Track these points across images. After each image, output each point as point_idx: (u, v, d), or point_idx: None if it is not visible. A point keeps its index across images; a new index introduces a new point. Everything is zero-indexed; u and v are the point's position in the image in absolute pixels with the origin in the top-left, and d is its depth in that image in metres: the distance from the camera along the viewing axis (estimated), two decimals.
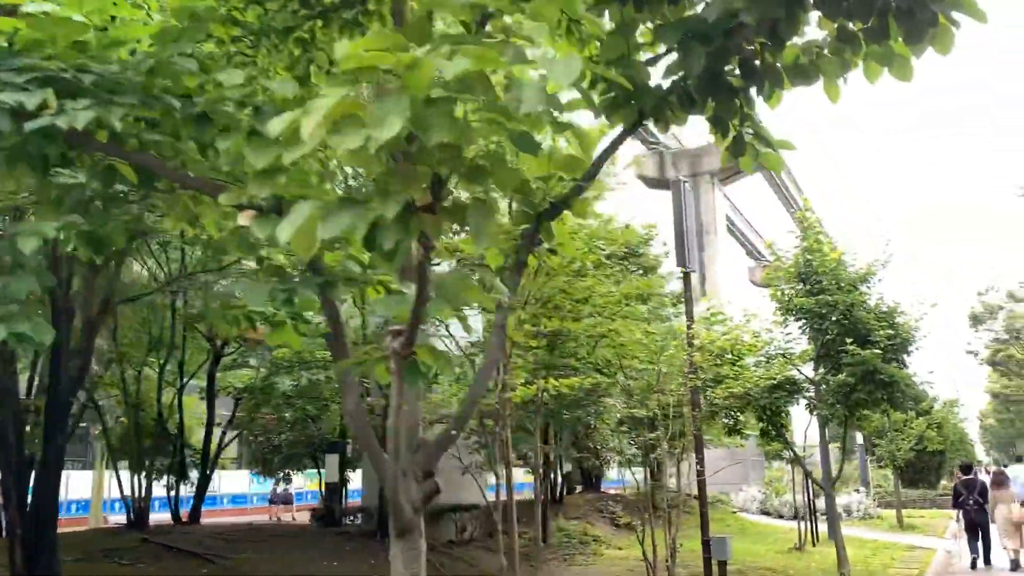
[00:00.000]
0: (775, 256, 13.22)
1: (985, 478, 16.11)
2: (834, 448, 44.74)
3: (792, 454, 13.37)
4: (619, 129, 3.43)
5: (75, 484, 27.40)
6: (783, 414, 13.48)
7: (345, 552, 10.71)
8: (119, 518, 17.87)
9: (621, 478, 25.47)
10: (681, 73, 3.06)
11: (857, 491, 26.52)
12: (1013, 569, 13.08)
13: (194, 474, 14.15)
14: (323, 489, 15.22)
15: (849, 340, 11.79)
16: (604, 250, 6.56)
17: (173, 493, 13.30)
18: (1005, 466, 31.86)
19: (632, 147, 37.52)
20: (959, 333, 59.59)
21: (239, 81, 2.70)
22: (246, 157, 2.45)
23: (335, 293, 3.02)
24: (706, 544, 11.76)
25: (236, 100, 2.74)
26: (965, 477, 14.49)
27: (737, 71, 3.23)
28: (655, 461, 14.90)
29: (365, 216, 2.17)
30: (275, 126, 2.16)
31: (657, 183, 37.20)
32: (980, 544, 13.53)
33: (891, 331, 12.04)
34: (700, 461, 12.42)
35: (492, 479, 20.34)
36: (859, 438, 28.41)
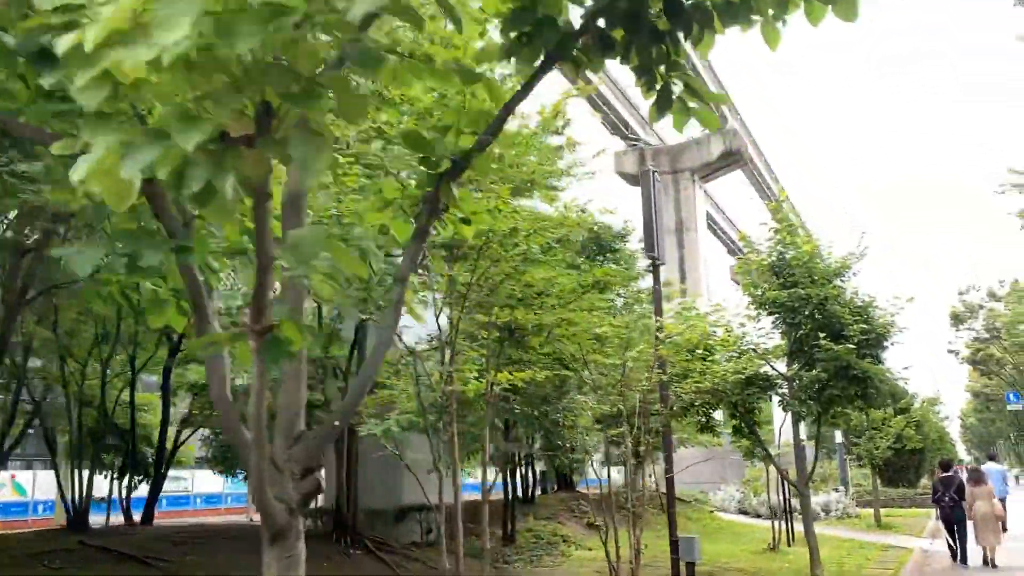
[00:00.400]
0: (748, 249, 12.88)
1: (963, 476, 15.89)
2: (811, 446, 44.27)
3: (763, 452, 13.05)
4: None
5: (41, 484, 26.74)
6: (755, 411, 13.16)
7: None
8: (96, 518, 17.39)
9: (598, 477, 25.20)
10: (591, 2, 2.66)
11: (836, 490, 26.30)
12: (985, 565, 13.21)
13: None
14: None
15: (822, 335, 11.46)
16: (554, 234, 6.17)
17: (126, 493, 12.78)
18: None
19: (612, 143, 37.28)
20: (939, 327, 59.50)
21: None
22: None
23: (191, 259, 2.60)
24: (674, 545, 11.42)
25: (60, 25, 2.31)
26: (944, 474, 14.58)
27: (662, 11, 2.84)
28: (623, 460, 14.55)
29: (172, 151, 1.76)
30: (61, 44, 1.76)
31: (637, 180, 36.91)
32: (958, 542, 13.72)
33: (865, 326, 11.72)
34: (668, 459, 12.05)
35: (473, 478, 19.89)
36: (838, 436, 28.25)
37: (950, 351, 62.16)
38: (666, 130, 38.63)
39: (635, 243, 23.43)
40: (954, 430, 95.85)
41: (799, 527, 17.94)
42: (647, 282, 23.79)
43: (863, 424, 22.69)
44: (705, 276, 35.25)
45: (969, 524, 13.70)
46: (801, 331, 12.35)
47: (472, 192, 5.65)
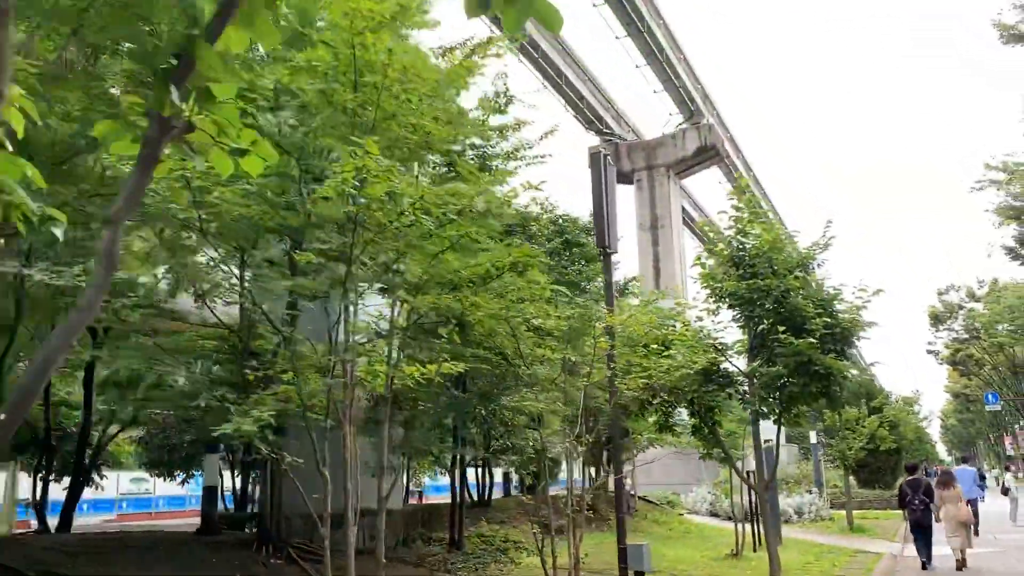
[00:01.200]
0: (708, 238, 12.16)
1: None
2: (789, 447, 43.81)
3: (722, 453, 12.35)
4: None
5: None
6: (716, 409, 12.43)
7: (210, 563, 9.44)
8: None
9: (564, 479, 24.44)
10: None
11: (809, 492, 25.67)
12: (958, 569, 13.05)
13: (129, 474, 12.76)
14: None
15: (782, 329, 10.76)
16: (456, 204, 5.42)
17: (40, 496, 11.89)
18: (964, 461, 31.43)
19: (587, 139, 36.56)
20: (917, 321, 59.21)
21: None
22: None
23: None
24: (622, 553, 10.68)
25: None
26: (911, 477, 14.41)
27: None
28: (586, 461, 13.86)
29: None
30: None
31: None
32: (924, 544, 13.59)
33: (829, 319, 11.01)
34: (616, 459, 11.31)
35: (442, 480, 18.94)
36: (813, 437, 27.66)
37: (929, 351, 62.07)
38: (642, 126, 38.03)
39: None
40: (935, 430, 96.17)
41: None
42: (618, 275, 23.09)
43: (836, 424, 22.11)
44: (680, 273, 34.62)
45: (939, 527, 13.56)
46: (762, 325, 11.68)
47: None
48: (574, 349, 9.11)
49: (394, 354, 7.32)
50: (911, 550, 15.72)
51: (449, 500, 17.84)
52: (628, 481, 38.56)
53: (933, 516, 13.48)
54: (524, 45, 28.41)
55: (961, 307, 57.51)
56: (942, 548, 13.66)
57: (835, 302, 11.57)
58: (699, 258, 12.21)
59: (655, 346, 11.67)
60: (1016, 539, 18.55)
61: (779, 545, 16.75)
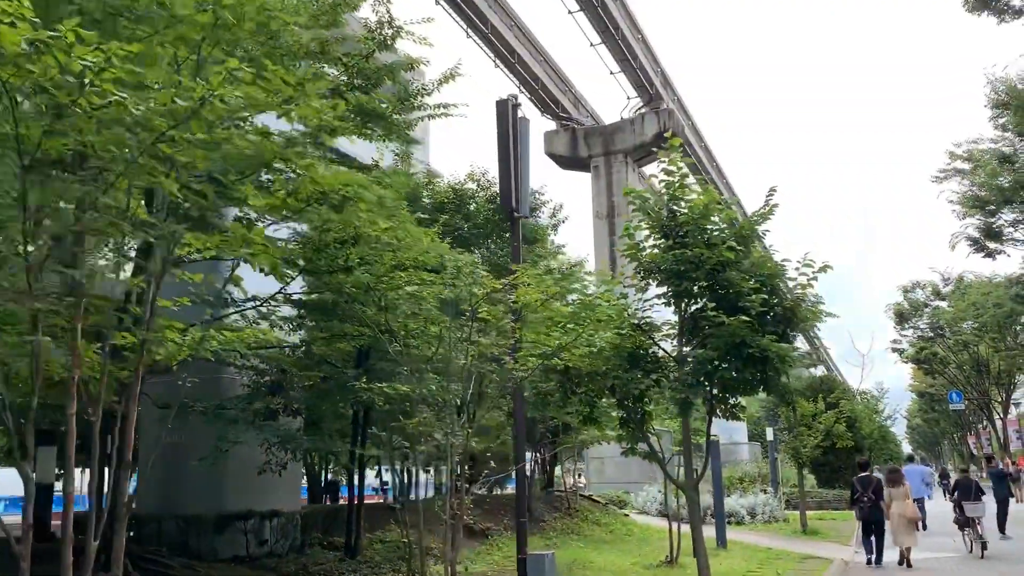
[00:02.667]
0: (635, 206, 10.76)
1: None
2: (752, 445, 42.88)
3: (647, 448, 10.96)
4: None
5: None
6: (645, 399, 11.04)
7: None
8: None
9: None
10: None
11: (764, 491, 24.48)
12: (900, 564, 13.20)
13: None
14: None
15: (711, 306, 9.42)
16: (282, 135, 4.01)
17: None
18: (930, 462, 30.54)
19: (543, 123, 35.17)
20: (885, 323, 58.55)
21: None
22: None
23: None
24: (520, 564, 9.23)
25: None
26: (861, 474, 14.28)
27: None
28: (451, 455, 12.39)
29: None
30: None
31: (570, 162, 34.85)
32: (874, 542, 13.60)
33: (765, 296, 9.68)
34: (520, 451, 9.92)
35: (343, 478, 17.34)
36: (770, 434, 26.51)
37: (894, 349, 61.56)
38: (602, 111, 36.67)
39: (565, 235, 21.30)
40: (901, 430, 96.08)
41: (712, 533, 15.98)
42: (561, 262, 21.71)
43: (790, 420, 20.95)
44: None
45: (887, 524, 13.57)
46: (694, 304, 10.35)
47: None
48: (452, 321, 7.65)
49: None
50: (864, 556, 14.52)
51: (372, 499, 16.37)
52: (572, 479, 37.11)
53: (884, 514, 13.45)
54: (473, 19, 26.92)
55: (927, 305, 56.94)
56: (889, 546, 13.59)
57: (776, 278, 10.24)
58: (627, 228, 10.81)
59: (571, 326, 10.26)
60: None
61: (723, 549, 15.52)
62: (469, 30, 27.44)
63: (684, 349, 10.36)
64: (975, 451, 73.41)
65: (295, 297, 9.27)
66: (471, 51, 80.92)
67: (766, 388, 9.87)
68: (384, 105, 9.22)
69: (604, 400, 11.68)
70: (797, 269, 10.46)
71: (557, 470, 34.79)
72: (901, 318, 57.76)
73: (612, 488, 29.92)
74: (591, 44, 30.90)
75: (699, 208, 10.00)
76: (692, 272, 9.79)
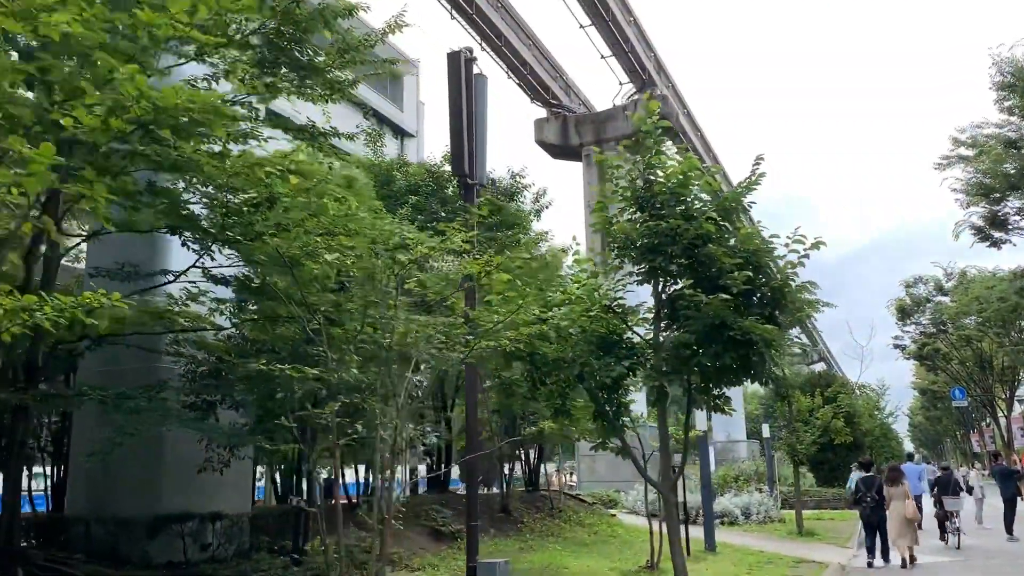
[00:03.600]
0: (608, 174, 9.76)
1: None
2: (751, 443, 41.72)
3: (618, 443, 9.96)
4: None
5: None
6: (621, 390, 10.03)
7: None
8: None
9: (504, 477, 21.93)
10: None
11: (759, 490, 23.46)
12: (903, 567, 12.83)
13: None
14: None
15: (688, 281, 8.44)
16: None
17: None
18: (928, 460, 29.58)
19: (532, 111, 34.04)
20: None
21: None
22: None
23: None
24: (471, 572, 8.24)
25: None
26: (865, 474, 14.02)
27: None
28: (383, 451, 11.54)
29: None
30: None
31: (560, 151, 33.77)
32: (878, 542, 13.31)
33: (750, 274, 8.68)
34: (472, 441, 8.93)
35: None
36: (766, 430, 25.51)
37: (896, 346, 60.45)
38: (592, 98, 35.60)
39: (558, 226, 20.31)
40: (903, 427, 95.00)
41: (698, 533, 15.02)
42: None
43: (785, 415, 19.96)
44: None
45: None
46: (672, 283, 9.36)
47: None
48: (371, 292, 6.64)
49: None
50: (864, 558, 13.57)
51: (337, 501, 15.38)
52: (564, 478, 35.97)
53: (887, 514, 13.20)
54: (458, 1, 25.86)
55: (929, 300, 55.84)
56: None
57: (763, 255, 9.22)
58: (600, 203, 9.80)
59: (540, 310, 9.26)
60: (981, 544, 16.42)
61: (711, 553, 14.52)
62: (453, 11, 26.43)
63: (661, 334, 9.35)
64: (978, 449, 72.33)
65: (218, 273, 8.26)
66: (456, 33, 79.59)
67: (751, 376, 8.84)
68: (320, 59, 8.21)
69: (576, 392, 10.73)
70: (787, 246, 9.44)
71: (551, 467, 33.76)
72: (903, 314, 56.67)
73: (604, 487, 28.85)
74: (580, 26, 29.78)
75: (677, 176, 9.00)
76: (668, 246, 8.80)
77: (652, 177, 9.28)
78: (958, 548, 15.31)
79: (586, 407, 10.87)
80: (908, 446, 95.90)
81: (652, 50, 33.63)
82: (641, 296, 10.06)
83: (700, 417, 16.55)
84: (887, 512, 13.13)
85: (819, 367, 67.78)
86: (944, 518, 16.11)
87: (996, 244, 27.70)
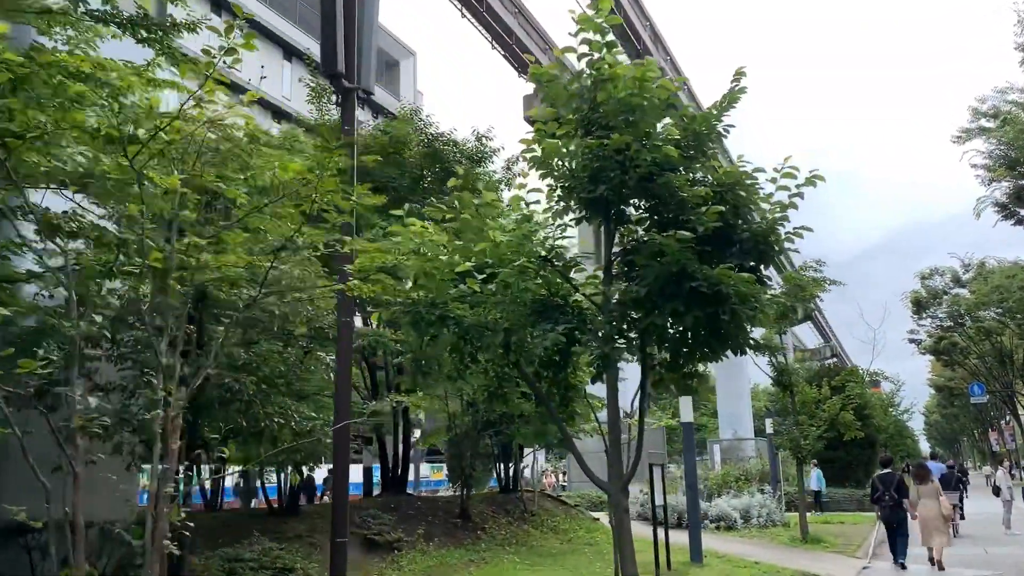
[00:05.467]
0: (546, 91, 7.69)
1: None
2: (759, 440, 39.18)
3: (559, 434, 7.91)
4: None
5: None
6: (568, 366, 7.98)
7: None
8: None
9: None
10: None
11: (761, 491, 21.29)
12: (933, 566, 12.14)
13: None
14: None
15: (637, 215, 6.43)
16: None
17: None
18: (942, 458, 27.42)
19: (520, 85, 31.89)
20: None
21: None
22: None
23: None
24: None
25: None
26: (883, 472, 13.19)
27: None
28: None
29: None
30: None
31: None
32: (898, 543, 12.70)
33: (721, 208, 6.63)
34: (342, 442, 6.94)
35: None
36: (769, 425, 23.33)
37: (912, 340, 57.99)
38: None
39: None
40: (918, 425, 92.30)
41: (682, 538, 12.95)
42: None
43: (787, 407, 17.84)
44: None
45: (913, 524, 12.71)
46: (618, 223, 7.35)
47: None
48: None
49: None
50: (875, 570, 11.54)
51: (267, 503, 13.38)
52: (547, 477, 33.71)
53: (909, 513, 12.56)
54: None
55: (945, 292, 53.34)
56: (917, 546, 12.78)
57: (740, 188, 7.17)
58: (540, 130, 7.69)
59: (463, 263, 7.22)
60: (1013, 554, 14.27)
61: (697, 565, 12.46)
62: None
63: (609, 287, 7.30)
64: (996, 447, 69.72)
65: None
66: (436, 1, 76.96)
67: (722, 341, 6.76)
68: None
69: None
70: (774, 181, 7.40)
71: (548, 467, 31.60)
72: (919, 307, 54.14)
73: (590, 489, 26.73)
74: None
75: (629, 87, 6.94)
76: (615, 173, 6.75)
77: (598, 82, 7.22)
78: (955, 535, 15.97)
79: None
80: (924, 444, 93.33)
81: (647, 18, 31.50)
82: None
83: (689, 407, 14.48)
84: (917, 512, 12.47)
85: (831, 362, 65.49)
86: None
87: (1022, 222, 25.43)
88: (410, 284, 7.89)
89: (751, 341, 6.90)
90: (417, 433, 20.55)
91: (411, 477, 30.39)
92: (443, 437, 14.15)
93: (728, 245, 7.17)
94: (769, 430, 23.08)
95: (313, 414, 8.70)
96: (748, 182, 7.32)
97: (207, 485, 15.45)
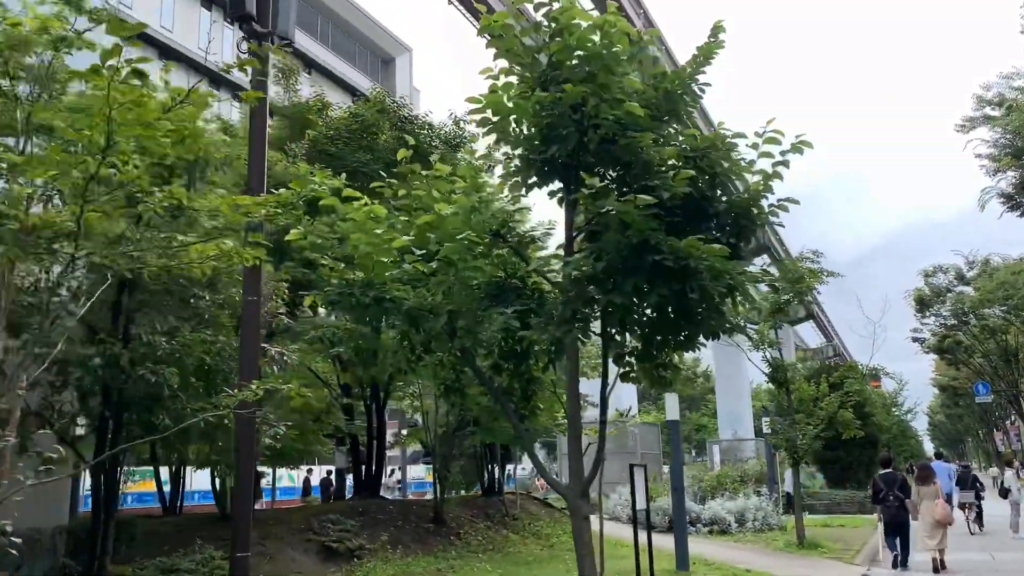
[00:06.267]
0: (494, 42, 6.86)
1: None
2: (760, 441, 38.27)
3: (516, 430, 7.07)
4: None
5: None
6: (524, 351, 7.13)
7: None
8: None
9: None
10: None
11: (758, 493, 20.43)
12: (935, 571, 11.97)
13: None
14: None
15: (597, 180, 5.60)
16: None
17: None
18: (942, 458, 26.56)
19: (477, 45, 30.96)
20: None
21: None
22: None
23: None
24: None
25: None
26: (884, 471, 12.93)
27: None
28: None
29: None
30: None
31: None
32: (898, 544, 12.36)
33: (692, 172, 5.81)
34: (247, 441, 6.14)
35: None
36: (765, 425, 22.49)
37: (915, 339, 57.01)
38: None
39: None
40: (922, 426, 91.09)
41: (666, 541, 12.13)
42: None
43: (784, 404, 16.99)
44: None
45: (915, 525, 12.47)
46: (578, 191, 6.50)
47: None
48: None
49: None
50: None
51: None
52: (540, 480, 32.90)
53: (910, 514, 12.25)
54: None
55: (949, 290, 52.37)
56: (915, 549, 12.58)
57: (716, 151, 6.35)
58: (495, 91, 6.83)
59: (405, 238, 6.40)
60: (1021, 560, 13.41)
61: (683, 573, 11.63)
62: None
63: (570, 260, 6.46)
64: (1002, 448, 68.69)
65: None
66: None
67: (691, 323, 5.92)
68: None
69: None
70: (755, 147, 6.56)
71: (534, 469, 30.70)
72: (922, 305, 53.17)
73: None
74: None
75: (587, 34, 6.11)
76: (569, 130, 5.92)
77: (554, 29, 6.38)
78: (980, 530, 17.72)
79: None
80: (928, 445, 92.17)
81: (641, 7, 30.62)
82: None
83: (675, 403, 13.62)
84: (918, 513, 12.34)
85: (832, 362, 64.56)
86: (961, 507, 18.23)
87: None
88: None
89: (727, 324, 6.06)
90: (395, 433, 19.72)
91: (398, 479, 29.53)
92: (419, 437, 13.32)
93: (703, 218, 6.35)
94: (766, 429, 22.24)
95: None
96: (726, 148, 6.52)
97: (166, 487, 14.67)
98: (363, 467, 15.02)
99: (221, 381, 7.91)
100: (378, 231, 6.32)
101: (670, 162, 5.86)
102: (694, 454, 60.99)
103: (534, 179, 6.26)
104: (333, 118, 15.16)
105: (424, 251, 6.45)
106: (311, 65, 35.71)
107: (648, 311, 6.01)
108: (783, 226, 6.75)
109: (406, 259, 6.49)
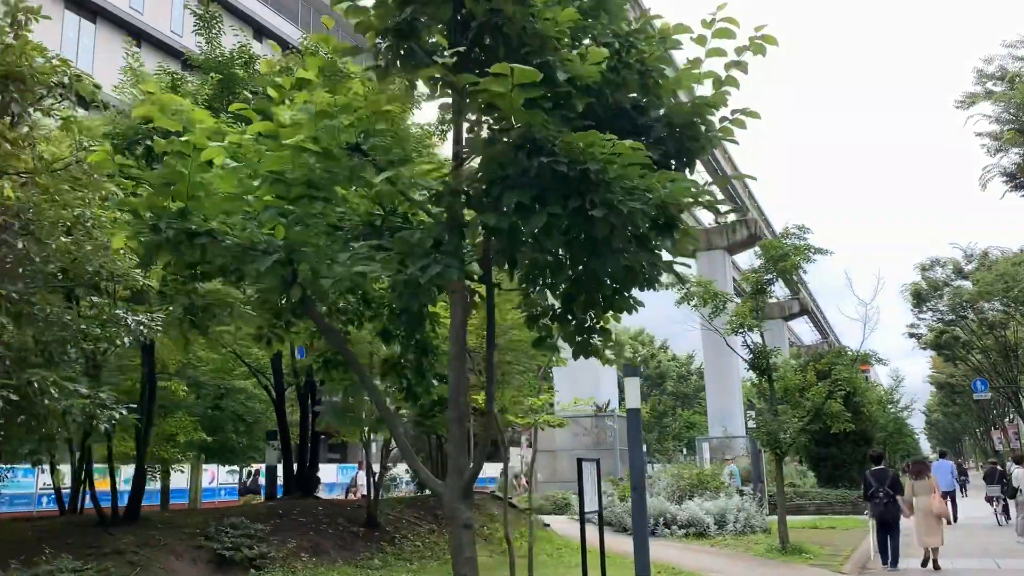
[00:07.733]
0: None
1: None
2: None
3: (379, 411, 5.47)
4: None
5: None
6: (425, 318, 5.53)
7: None
8: None
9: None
10: None
11: (741, 492, 18.86)
12: (924, 566, 11.87)
13: None
14: None
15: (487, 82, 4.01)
16: None
17: None
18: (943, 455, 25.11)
19: None
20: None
21: None
22: None
23: None
24: None
25: None
26: (875, 467, 12.69)
27: None
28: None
29: None
30: None
31: None
32: (889, 543, 12.05)
33: (606, 52, 4.24)
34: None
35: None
36: (750, 420, 20.94)
37: (912, 335, 55.60)
38: None
39: None
40: (919, 424, 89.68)
41: (626, 545, 10.51)
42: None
43: (767, 394, 15.45)
44: None
45: (907, 523, 12.20)
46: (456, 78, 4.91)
47: None
48: None
49: None
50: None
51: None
52: (519, 481, 31.13)
53: (901, 511, 11.97)
54: None
55: (947, 284, 50.91)
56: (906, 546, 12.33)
57: (642, 39, 4.79)
58: None
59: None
60: None
61: None
62: None
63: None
64: (1000, 446, 67.28)
65: None
66: None
67: (599, 258, 4.33)
68: None
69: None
70: (702, 41, 5.01)
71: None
72: (918, 299, 51.69)
73: (566, 488, 24.23)
74: None
75: None
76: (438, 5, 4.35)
77: None
78: (1007, 522, 17.66)
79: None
80: (924, 443, 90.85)
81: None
82: None
83: (636, 388, 12.05)
84: (912, 510, 12.03)
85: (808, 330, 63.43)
86: (989, 501, 19.59)
87: None
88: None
89: (659, 265, 4.48)
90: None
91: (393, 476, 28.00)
92: (345, 424, 11.71)
93: (629, 131, 4.77)
94: (751, 424, 20.69)
95: (84, 390, 6.27)
96: (662, 39, 4.96)
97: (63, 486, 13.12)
98: (294, 464, 13.43)
99: (47, 355, 6.34)
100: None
101: (565, 19, 4.23)
102: (685, 452, 59.39)
103: (397, 68, 4.65)
104: (261, 71, 13.55)
105: (261, 176, 4.86)
106: (232, 12, 31.92)
107: (559, 252, 4.42)
108: (737, 143, 5.17)
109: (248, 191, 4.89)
